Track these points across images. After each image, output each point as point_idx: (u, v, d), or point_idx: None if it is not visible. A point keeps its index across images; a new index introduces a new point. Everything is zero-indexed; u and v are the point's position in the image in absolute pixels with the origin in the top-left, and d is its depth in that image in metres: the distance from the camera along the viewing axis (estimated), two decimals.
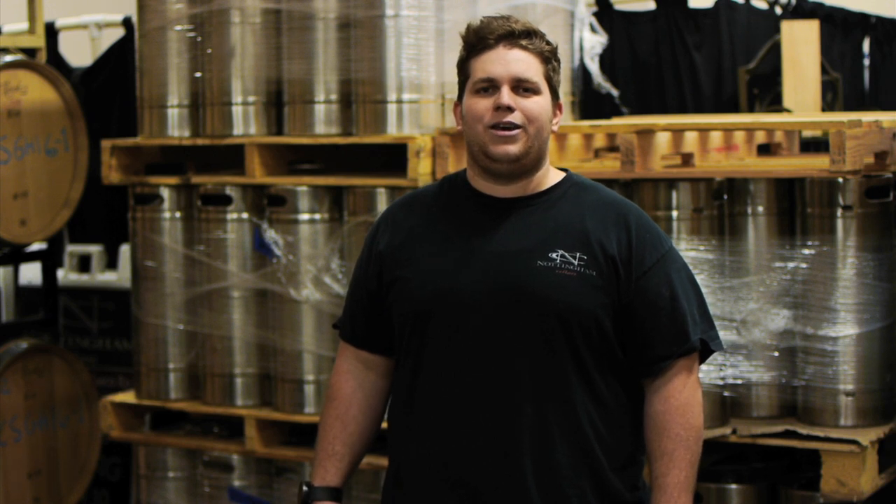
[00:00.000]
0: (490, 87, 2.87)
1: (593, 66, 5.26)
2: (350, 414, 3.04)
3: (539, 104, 2.87)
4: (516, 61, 2.86)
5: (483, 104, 2.87)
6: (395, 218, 3.01)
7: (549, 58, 2.91)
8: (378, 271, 2.99)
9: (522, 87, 2.86)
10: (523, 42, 2.88)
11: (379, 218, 3.07)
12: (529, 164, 2.89)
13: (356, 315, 3.06)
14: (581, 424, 2.85)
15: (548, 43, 2.92)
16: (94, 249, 6.17)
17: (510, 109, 2.84)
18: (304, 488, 3.03)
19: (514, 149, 2.85)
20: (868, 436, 4.03)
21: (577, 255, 2.86)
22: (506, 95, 2.85)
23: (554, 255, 2.86)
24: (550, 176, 2.96)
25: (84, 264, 6.15)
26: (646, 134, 4.19)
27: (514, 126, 2.84)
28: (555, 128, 2.94)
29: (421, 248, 2.94)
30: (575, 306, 2.84)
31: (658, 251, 2.91)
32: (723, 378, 4.19)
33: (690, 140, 4.59)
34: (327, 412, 3.07)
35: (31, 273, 6.05)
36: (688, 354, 2.91)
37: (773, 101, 6.15)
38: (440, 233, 2.94)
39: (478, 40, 2.90)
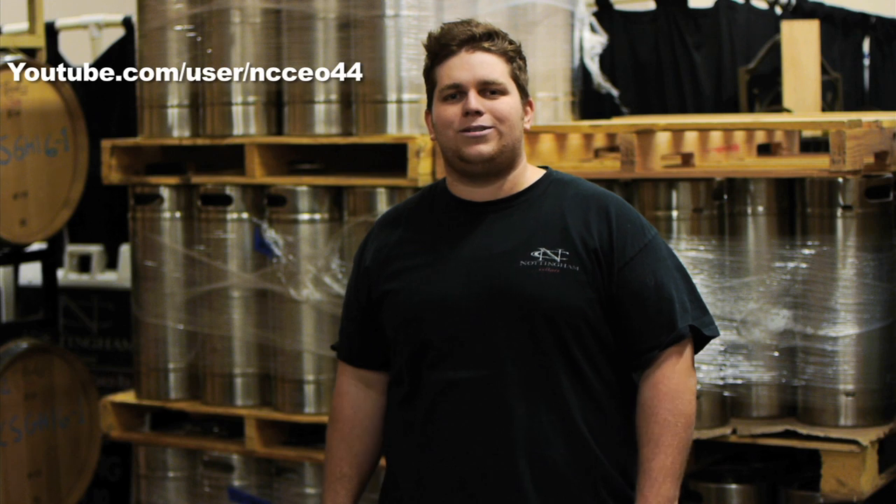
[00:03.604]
0: (457, 92, 2.87)
1: (593, 66, 5.27)
2: (354, 434, 3.05)
3: (507, 104, 2.88)
4: (480, 64, 2.87)
5: (452, 111, 2.87)
6: (380, 233, 3.03)
7: (513, 57, 2.91)
8: (367, 288, 3.00)
9: (489, 89, 2.87)
10: (485, 44, 2.88)
11: (366, 235, 3.08)
12: (504, 162, 2.89)
13: (352, 334, 3.07)
14: (575, 422, 2.85)
15: (510, 42, 2.92)
16: (94, 249, 6.17)
17: (479, 113, 2.85)
18: None
19: (486, 148, 2.86)
20: (868, 436, 4.03)
21: (559, 251, 2.86)
22: (473, 100, 2.85)
23: (536, 254, 2.86)
24: (528, 175, 2.96)
25: (84, 264, 6.16)
26: (646, 134, 4.19)
27: (484, 128, 2.85)
28: (527, 126, 2.94)
29: (406, 260, 2.94)
30: (560, 303, 2.84)
31: (640, 241, 2.91)
32: (723, 378, 4.19)
33: (690, 140, 4.59)
34: (331, 435, 3.08)
35: (31, 273, 6.05)
36: (677, 342, 2.90)
37: (773, 101, 6.15)
38: (424, 242, 2.95)
39: (440, 48, 2.90)
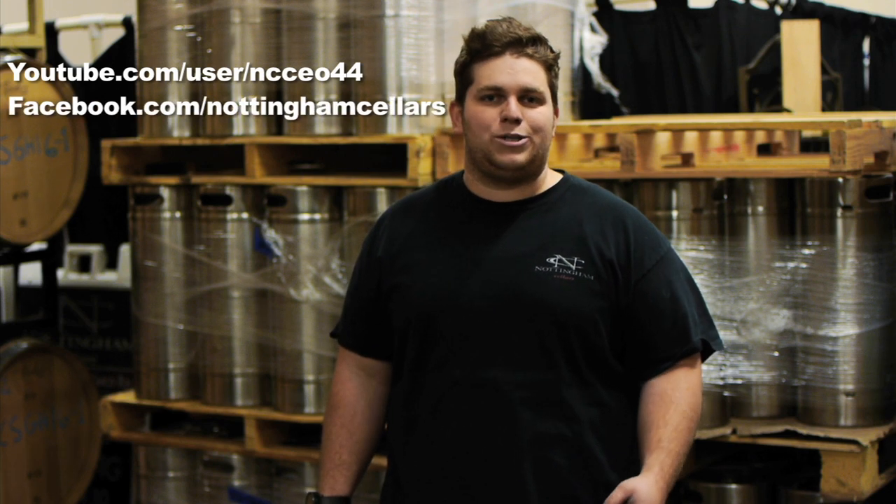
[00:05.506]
0: (496, 95, 2.86)
1: (593, 66, 5.27)
2: (356, 422, 3.04)
3: (544, 114, 2.87)
4: (524, 71, 2.86)
5: (490, 113, 2.86)
6: (392, 223, 3.01)
7: (552, 65, 2.91)
8: (377, 278, 2.98)
9: (528, 96, 2.86)
10: (529, 50, 2.87)
11: (375, 223, 3.06)
12: (533, 170, 2.90)
13: (356, 322, 3.06)
14: (580, 426, 2.85)
15: (551, 50, 2.92)
16: (94, 249, 6.17)
17: (518, 121, 2.84)
18: (314, 499, 3.02)
19: (520, 158, 2.85)
20: (868, 436, 4.03)
21: (575, 259, 2.86)
22: (514, 107, 2.84)
23: (552, 260, 2.86)
24: (548, 178, 2.96)
25: (84, 264, 6.16)
26: (646, 134, 4.19)
27: (520, 137, 2.85)
28: (552, 131, 2.94)
29: (419, 255, 2.93)
30: (573, 311, 2.84)
31: (657, 253, 2.91)
32: (723, 378, 4.19)
33: (690, 140, 4.59)
34: (332, 420, 3.06)
35: (31, 273, 6.05)
36: (690, 355, 2.91)
37: (773, 101, 6.15)
38: (438, 238, 2.94)
39: (483, 46, 2.87)
